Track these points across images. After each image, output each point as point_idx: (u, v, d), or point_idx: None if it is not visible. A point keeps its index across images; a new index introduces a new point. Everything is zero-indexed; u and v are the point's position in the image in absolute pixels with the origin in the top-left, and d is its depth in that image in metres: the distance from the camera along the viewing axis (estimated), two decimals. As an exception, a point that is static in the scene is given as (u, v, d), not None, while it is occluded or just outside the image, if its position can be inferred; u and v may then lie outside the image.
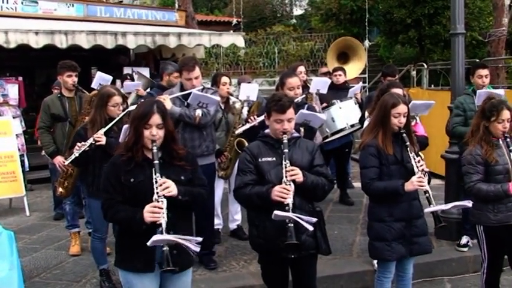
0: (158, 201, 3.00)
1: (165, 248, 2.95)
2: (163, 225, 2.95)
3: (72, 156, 4.49)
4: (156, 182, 3.04)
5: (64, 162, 5.32)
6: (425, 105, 5.32)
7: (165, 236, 2.94)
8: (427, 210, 3.73)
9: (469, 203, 3.81)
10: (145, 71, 10.27)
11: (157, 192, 3.02)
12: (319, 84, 6.07)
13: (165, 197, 3.01)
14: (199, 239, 3.04)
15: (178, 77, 6.13)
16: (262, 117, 4.87)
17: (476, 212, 4.12)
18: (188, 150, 3.53)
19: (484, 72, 5.64)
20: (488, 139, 4.06)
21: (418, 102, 5.37)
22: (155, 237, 2.92)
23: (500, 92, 5.46)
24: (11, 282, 3.68)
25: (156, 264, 3.14)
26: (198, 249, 3.03)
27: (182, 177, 3.19)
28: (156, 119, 3.12)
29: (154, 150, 3.10)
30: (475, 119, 4.26)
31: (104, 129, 4.44)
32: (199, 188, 3.28)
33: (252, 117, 5.13)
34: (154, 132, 3.11)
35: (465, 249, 5.64)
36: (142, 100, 5.59)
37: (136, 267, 3.15)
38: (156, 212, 2.98)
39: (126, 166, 3.13)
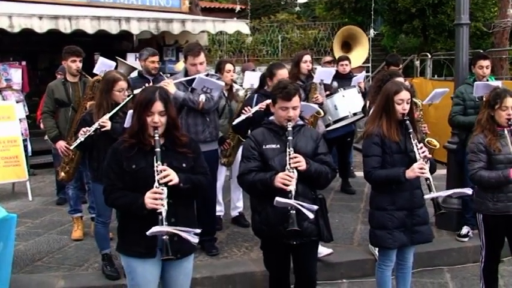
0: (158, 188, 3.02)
1: (164, 237, 2.98)
2: (164, 214, 2.97)
3: (78, 141, 4.50)
4: (157, 169, 3.05)
5: (66, 147, 5.37)
6: (442, 92, 5.40)
7: (164, 228, 2.95)
8: (427, 196, 3.75)
9: (469, 191, 3.84)
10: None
11: (157, 180, 3.03)
12: (323, 74, 6.02)
13: (165, 185, 3.02)
14: (198, 230, 3.06)
15: (154, 61, 6.06)
16: (256, 108, 4.89)
17: (477, 200, 4.19)
18: (191, 137, 3.54)
19: (485, 63, 5.64)
20: (492, 128, 4.10)
21: (439, 90, 5.47)
22: (154, 229, 2.94)
23: (498, 83, 5.46)
24: (2, 261, 3.73)
25: (157, 249, 3.16)
26: (197, 240, 3.06)
27: (184, 165, 3.20)
28: (158, 106, 3.11)
29: (156, 137, 3.10)
30: (482, 108, 4.29)
31: (109, 114, 4.44)
32: (200, 176, 3.28)
33: (246, 109, 5.10)
34: (156, 119, 3.11)
35: (465, 239, 5.67)
36: None
37: (138, 253, 3.18)
38: (156, 198, 2.99)
39: (128, 152, 3.14)
